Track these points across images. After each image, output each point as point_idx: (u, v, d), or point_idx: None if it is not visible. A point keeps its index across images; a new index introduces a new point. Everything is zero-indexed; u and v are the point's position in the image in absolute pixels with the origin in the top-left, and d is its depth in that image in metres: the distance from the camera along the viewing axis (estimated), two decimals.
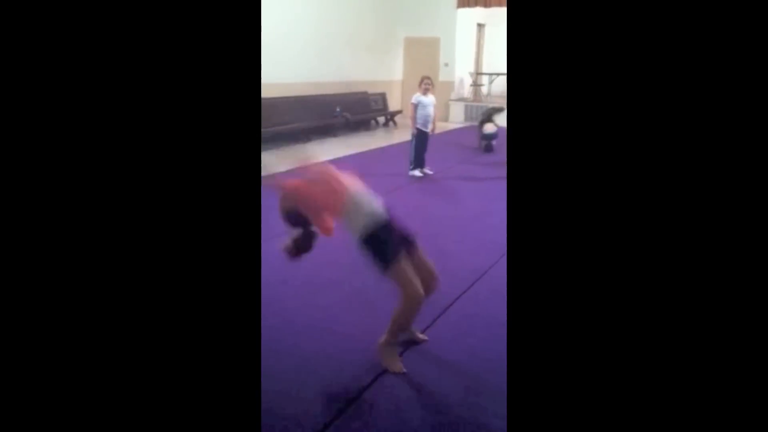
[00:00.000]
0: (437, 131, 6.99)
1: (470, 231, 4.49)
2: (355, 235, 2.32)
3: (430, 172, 6.61)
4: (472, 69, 13.12)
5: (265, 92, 8.49)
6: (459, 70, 12.49)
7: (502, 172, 6.60)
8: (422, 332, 2.68)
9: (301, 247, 2.49)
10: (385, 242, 2.29)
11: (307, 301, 3.06)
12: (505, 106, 9.66)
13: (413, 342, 2.59)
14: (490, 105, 9.28)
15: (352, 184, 2.42)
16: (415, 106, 6.45)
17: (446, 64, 12.24)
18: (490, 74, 12.91)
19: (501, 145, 7.93)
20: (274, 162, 2.53)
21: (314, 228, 2.48)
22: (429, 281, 2.41)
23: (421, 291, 2.29)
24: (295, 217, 2.46)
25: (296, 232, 2.48)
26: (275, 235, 2.54)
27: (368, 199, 2.39)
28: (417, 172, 6.53)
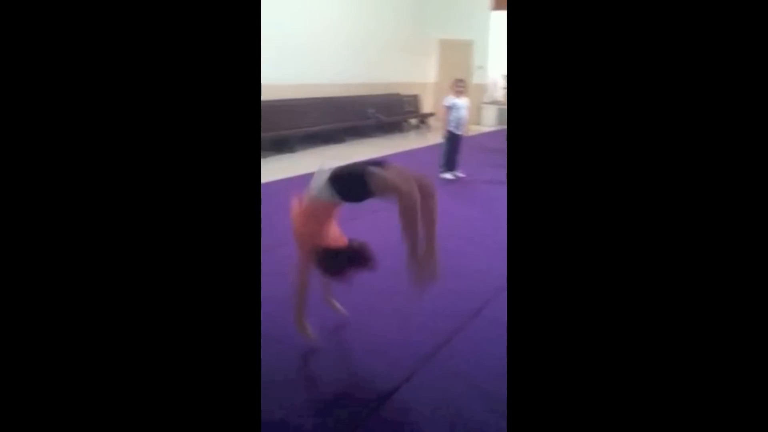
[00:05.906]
0: (469, 134, 6.95)
1: (498, 235, 4.44)
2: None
3: (462, 175, 6.59)
4: (505, 72, 13.01)
5: (299, 93, 8.66)
6: (492, 72, 12.41)
7: None
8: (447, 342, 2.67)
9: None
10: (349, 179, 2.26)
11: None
12: None
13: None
14: None
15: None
16: (448, 109, 6.44)
17: (480, 67, 12.18)
18: None
19: None
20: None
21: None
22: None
23: (413, 189, 2.15)
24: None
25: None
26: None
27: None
28: (448, 175, 6.51)
